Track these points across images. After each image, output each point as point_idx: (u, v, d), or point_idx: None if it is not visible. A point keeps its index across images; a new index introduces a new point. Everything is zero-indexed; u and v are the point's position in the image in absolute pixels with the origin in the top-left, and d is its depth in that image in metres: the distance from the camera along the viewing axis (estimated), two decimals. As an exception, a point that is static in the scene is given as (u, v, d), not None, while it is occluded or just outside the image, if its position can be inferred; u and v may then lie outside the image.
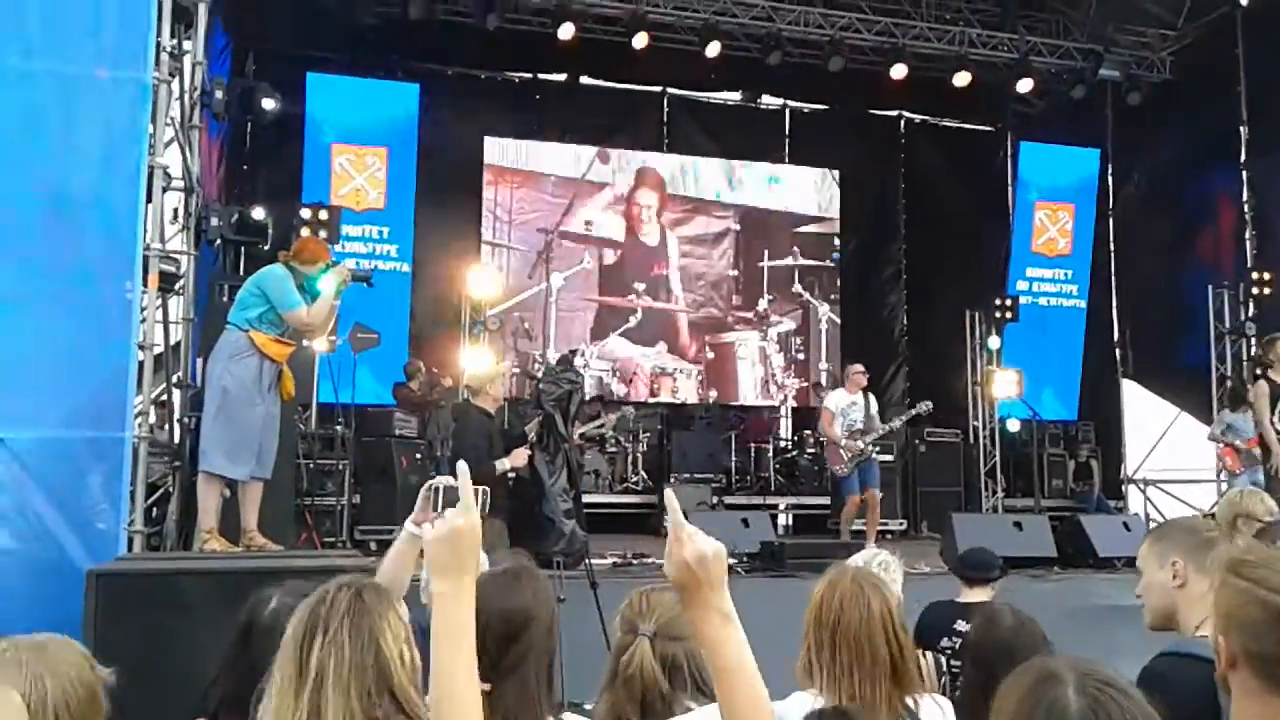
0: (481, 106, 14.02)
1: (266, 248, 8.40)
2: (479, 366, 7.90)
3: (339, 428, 9.22)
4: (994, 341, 13.49)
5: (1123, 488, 14.06)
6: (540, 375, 8.42)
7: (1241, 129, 13.00)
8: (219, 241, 8.44)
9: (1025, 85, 13.71)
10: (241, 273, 8.23)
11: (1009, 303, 13.43)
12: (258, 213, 8.61)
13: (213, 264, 8.92)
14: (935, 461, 13.07)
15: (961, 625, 4.54)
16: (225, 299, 7.40)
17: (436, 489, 2.49)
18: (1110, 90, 14.03)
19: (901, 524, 12.29)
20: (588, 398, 11.77)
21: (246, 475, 5.92)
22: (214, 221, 8.09)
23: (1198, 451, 12.22)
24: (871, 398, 9.97)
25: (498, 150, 14.22)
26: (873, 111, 15.74)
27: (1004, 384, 12.82)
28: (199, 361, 7.51)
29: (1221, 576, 1.87)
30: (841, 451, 9.64)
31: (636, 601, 2.30)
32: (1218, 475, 11.36)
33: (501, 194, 14.14)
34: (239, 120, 10.84)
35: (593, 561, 6.84)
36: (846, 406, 9.78)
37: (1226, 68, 12.85)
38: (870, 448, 9.68)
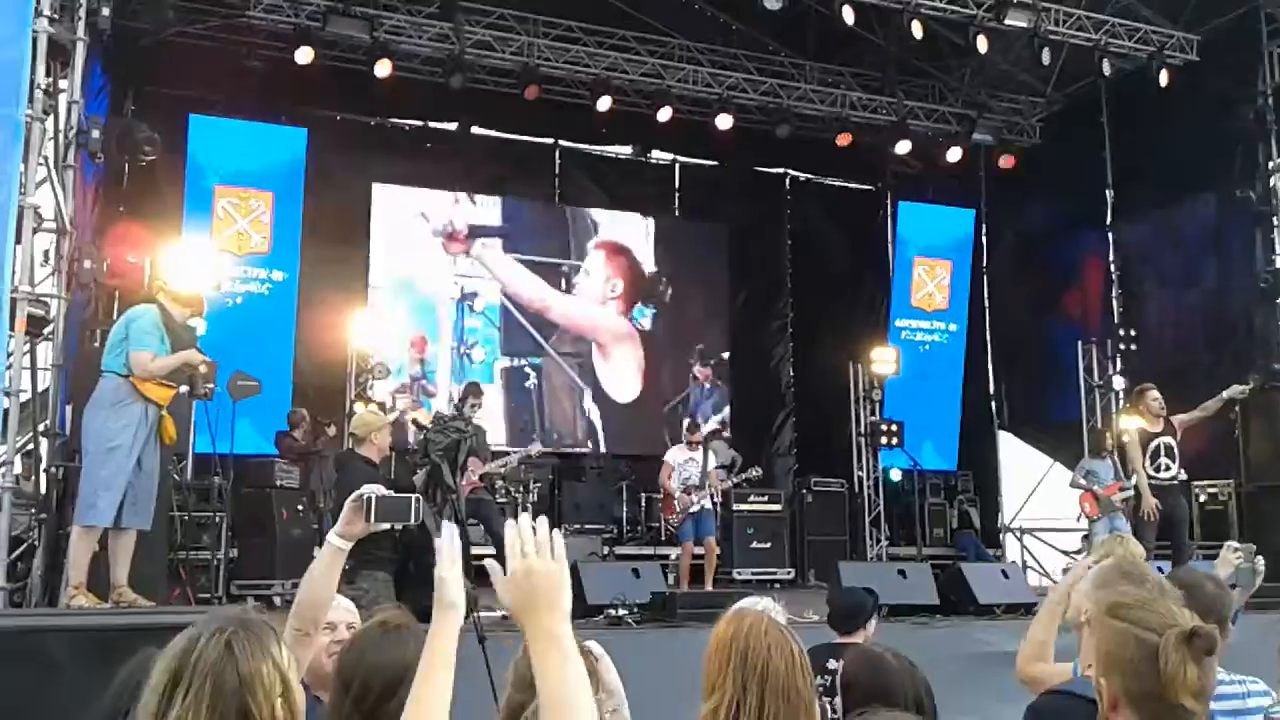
0: (371, 153, 13.90)
1: (142, 292, 8.13)
2: (364, 415, 7.73)
3: (216, 479, 8.91)
4: (877, 393, 13.83)
5: (1000, 536, 14.47)
6: (429, 424, 8.30)
7: (1108, 193, 13.68)
8: (92, 285, 8.13)
9: (904, 147, 14.21)
10: (114, 318, 7.93)
11: (890, 355, 13.78)
12: (133, 256, 8.33)
13: (84, 309, 8.59)
14: (821, 511, 13.24)
15: (832, 664, 4.60)
16: (97, 344, 7.13)
17: (370, 499, 2.40)
18: (984, 153, 14.62)
19: (789, 573, 12.38)
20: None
21: (110, 520, 5.71)
22: (87, 264, 7.79)
23: (1070, 501, 12.64)
24: (711, 454, 10.67)
25: (386, 197, 14.08)
26: (760, 169, 16.10)
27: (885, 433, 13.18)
28: (68, 409, 7.20)
29: (1099, 619, 1.91)
30: (674, 503, 10.25)
31: None
32: (1077, 521, 11.78)
33: (389, 240, 13.98)
34: (116, 161, 10.51)
35: (481, 615, 6.70)
36: (684, 462, 10.38)
37: (1093, 134, 13.52)
38: (698, 502, 10.25)
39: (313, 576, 2.67)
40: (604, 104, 13.02)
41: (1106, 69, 12.25)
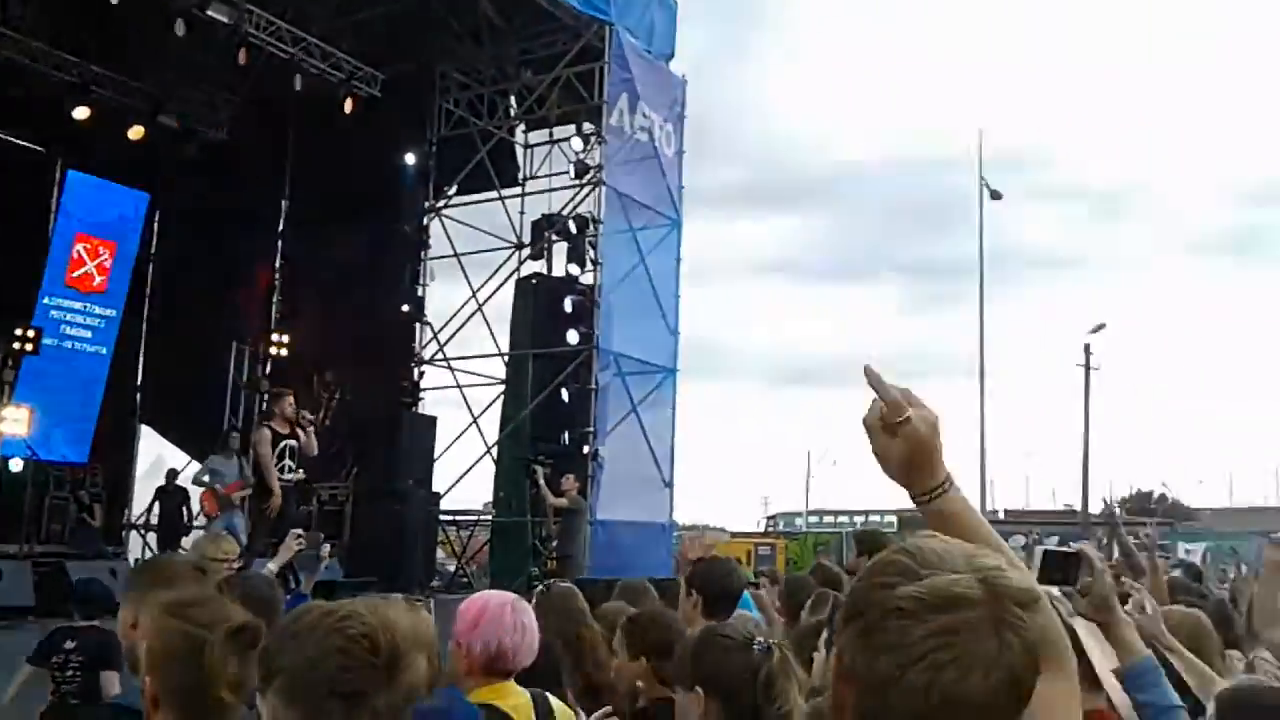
0: None
1: None
2: None
3: None
4: (10, 374, 12.42)
5: (124, 534, 13.94)
6: None
7: (284, 201, 14.13)
8: None
9: (82, 113, 13.15)
10: None
11: (31, 334, 12.50)
12: None
13: None
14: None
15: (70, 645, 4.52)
16: None
17: None
18: (168, 138, 14.11)
19: None
20: None
21: None
22: None
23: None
24: None
25: None
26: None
27: (13, 422, 11.95)
28: None
29: (155, 618, 1.94)
30: None
31: None
32: (195, 517, 11.96)
33: None
34: None
35: None
36: None
37: (279, 145, 13.91)
38: None
39: None
40: None
41: (298, 84, 12.70)
